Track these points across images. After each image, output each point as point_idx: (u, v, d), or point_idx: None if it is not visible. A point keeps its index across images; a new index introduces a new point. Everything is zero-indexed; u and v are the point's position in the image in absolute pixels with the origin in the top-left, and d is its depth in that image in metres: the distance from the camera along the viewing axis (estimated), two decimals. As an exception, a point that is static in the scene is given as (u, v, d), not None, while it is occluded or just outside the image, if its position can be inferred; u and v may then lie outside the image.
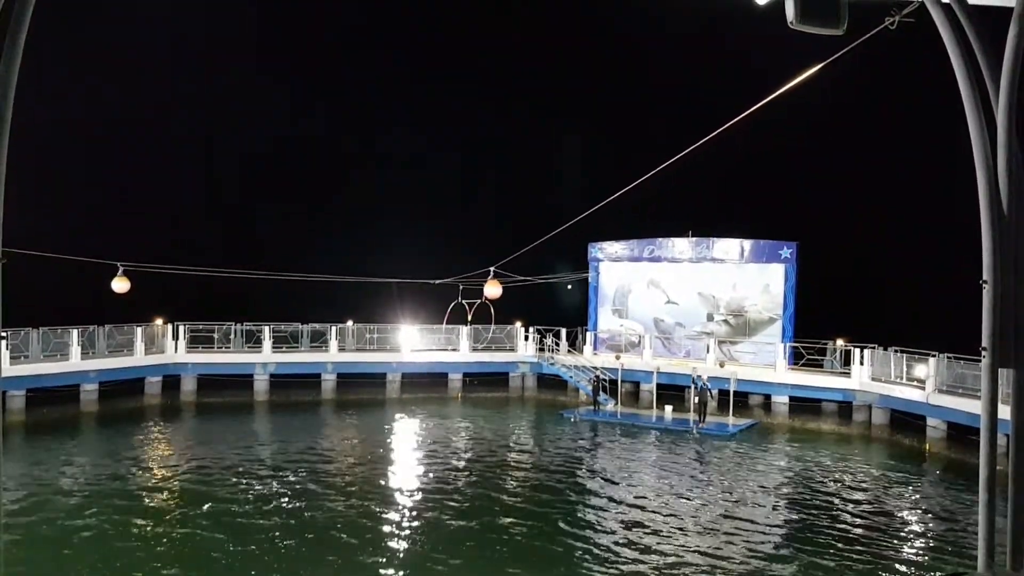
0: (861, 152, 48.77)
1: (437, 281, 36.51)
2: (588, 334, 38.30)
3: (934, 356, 27.33)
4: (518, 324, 37.96)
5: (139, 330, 32.79)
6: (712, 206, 46.15)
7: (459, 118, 54.88)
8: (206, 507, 18.87)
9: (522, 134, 54.87)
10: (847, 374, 30.83)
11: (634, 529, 17.92)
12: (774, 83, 9.70)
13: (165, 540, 16.76)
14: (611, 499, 20.54)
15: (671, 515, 19.09)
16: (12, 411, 27.46)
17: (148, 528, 17.47)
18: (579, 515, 18.94)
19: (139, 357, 32.65)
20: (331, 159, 56.27)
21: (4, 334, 26.24)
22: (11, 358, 27.78)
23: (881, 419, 29.66)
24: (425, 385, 36.24)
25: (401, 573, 14.89)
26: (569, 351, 37.16)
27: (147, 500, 19.73)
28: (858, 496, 21.56)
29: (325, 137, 56.70)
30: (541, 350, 37.42)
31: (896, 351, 29.25)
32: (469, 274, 34.15)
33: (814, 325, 33.44)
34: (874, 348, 30.33)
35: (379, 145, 56.02)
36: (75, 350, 30.27)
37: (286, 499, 19.71)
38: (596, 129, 54.21)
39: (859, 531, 18.14)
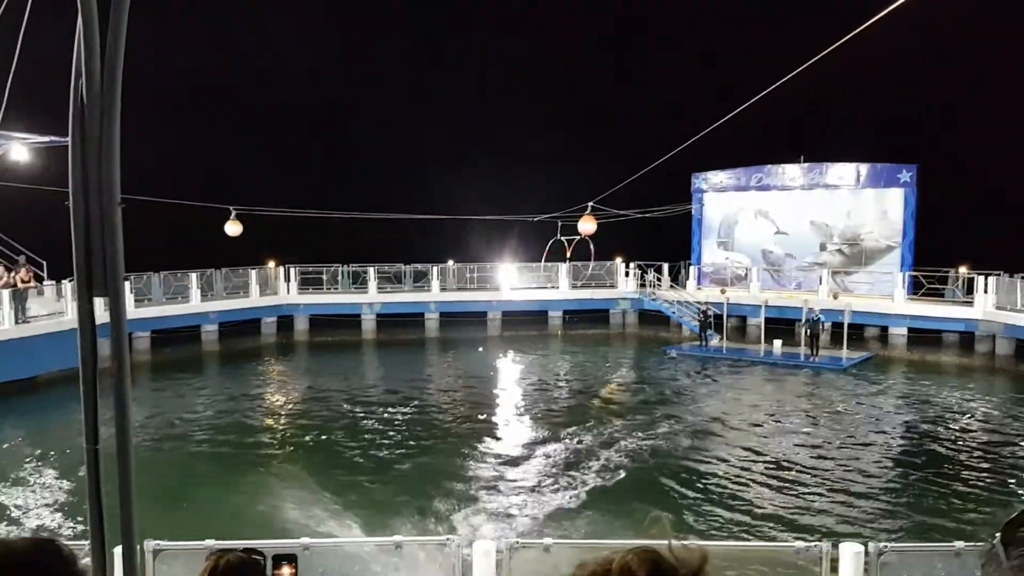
0: (984, 65, 45.13)
1: (536, 218, 36.25)
2: (691, 268, 37.49)
3: (1067, 282, 25.57)
4: (618, 260, 37.46)
5: (253, 273, 34.10)
6: (824, 129, 43.80)
7: (556, 46, 53.74)
8: (320, 435, 19.66)
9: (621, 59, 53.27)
10: (970, 303, 29.24)
11: (742, 464, 17.63)
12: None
13: (281, 463, 17.72)
14: (719, 435, 20.22)
15: (781, 451, 18.68)
16: (138, 351, 29.09)
17: (266, 453, 18.44)
18: (687, 448, 18.71)
19: (255, 299, 34.03)
20: (424, 91, 56.02)
21: (128, 277, 27.66)
22: (135, 301, 29.24)
23: (1006, 350, 28.10)
24: (525, 323, 36.43)
25: (509, 502, 15.12)
26: (671, 286, 36.51)
27: (266, 429, 20.76)
28: (980, 430, 20.52)
29: (414, 69, 56.33)
30: (642, 286, 36.89)
31: (1023, 278, 27.50)
32: (567, 210, 33.72)
33: (935, 253, 31.66)
34: (999, 275, 28.56)
35: (467, 76, 55.28)
36: (195, 292, 31.77)
37: (393, 427, 20.28)
38: (699, 50, 51.66)
39: (982, 471, 17.23)
